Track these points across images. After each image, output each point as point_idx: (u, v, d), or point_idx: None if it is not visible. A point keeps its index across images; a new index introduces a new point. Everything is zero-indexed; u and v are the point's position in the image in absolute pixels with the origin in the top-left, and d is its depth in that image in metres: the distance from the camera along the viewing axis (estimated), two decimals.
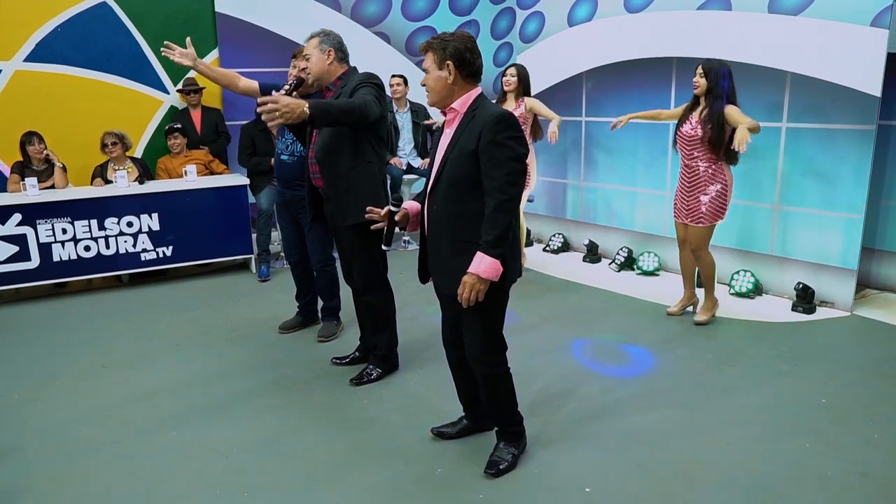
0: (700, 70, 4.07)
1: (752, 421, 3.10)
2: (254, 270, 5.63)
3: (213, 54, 6.55)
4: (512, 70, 5.21)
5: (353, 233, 3.34)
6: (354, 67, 3.39)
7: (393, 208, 2.59)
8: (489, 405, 2.71)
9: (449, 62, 2.37)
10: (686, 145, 4.15)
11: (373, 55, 6.67)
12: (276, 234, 5.82)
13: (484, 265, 2.31)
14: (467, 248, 2.37)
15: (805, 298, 4.50)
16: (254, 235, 5.66)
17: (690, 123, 4.13)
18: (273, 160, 5.66)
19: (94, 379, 3.67)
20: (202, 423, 3.15)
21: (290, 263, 4.23)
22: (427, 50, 2.42)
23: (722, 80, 4.00)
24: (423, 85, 2.47)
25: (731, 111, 3.97)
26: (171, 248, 5.29)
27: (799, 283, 4.55)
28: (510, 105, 5.24)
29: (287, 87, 3.46)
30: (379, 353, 3.58)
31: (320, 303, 4.23)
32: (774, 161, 4.73)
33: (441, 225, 2.46)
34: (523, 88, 5.22)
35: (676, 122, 4.28)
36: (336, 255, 3.80)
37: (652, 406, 3.26)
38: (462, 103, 2.43)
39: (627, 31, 5.46)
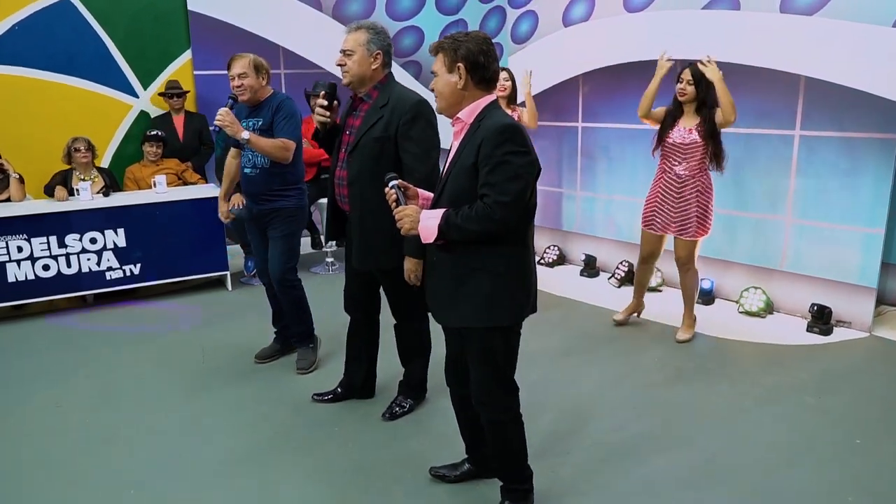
0: (688, 77, 3.81)
1: (783, 466, 2.79)
2: (229, 288, 5.24)
3: (186, 55, 6.15)
4: (505, 74, 4.87)
5: (381, 274, 2.99)
6: (390, 73, 2.95)
7: (395, 183, 2.21)
8: (494, 456, 2.41)
9: (460, 65, 2.10)
10: (675, 154, 3.90)
11: None
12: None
13: (426, 221, 2.10)
14: (472, 275, 2.13)
15: (821, 319, 4.22)
16: (230, 247, 5.27)
17: (680, 131, 3.88)
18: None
19: (45, 421, 3.28)
20: (164, 481, 2.77)
21: (264, 284, 3.86)
22: (438, 51, 2.16)
23: (709, 89, 3.82)
24: (432, 89, 2.19)
25: (718, 116, 3.82)
26: (138, 265, 4.89)
27: (814, 306, 4.26)
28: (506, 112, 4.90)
29: (229, 103, 3.38)
30: (411, 383, 3.26)
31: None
32: (787, 172, 4.44)
33: (442, 247, 2.16)
34: (515, 95, 4.90)
35: (658, 127, 4.00)
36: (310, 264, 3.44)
37: (669, 446, 2.95)
38: (469, 113, 2.15)
39: (627, 32, 5.15)
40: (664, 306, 4.71)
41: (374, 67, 2.83)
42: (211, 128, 3.43)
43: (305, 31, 6.51)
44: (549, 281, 5.41)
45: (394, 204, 2.19)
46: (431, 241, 2.11)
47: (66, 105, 5.69)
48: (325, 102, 2.93)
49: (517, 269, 2.16)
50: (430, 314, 2.37)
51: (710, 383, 3.58)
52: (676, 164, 3.91)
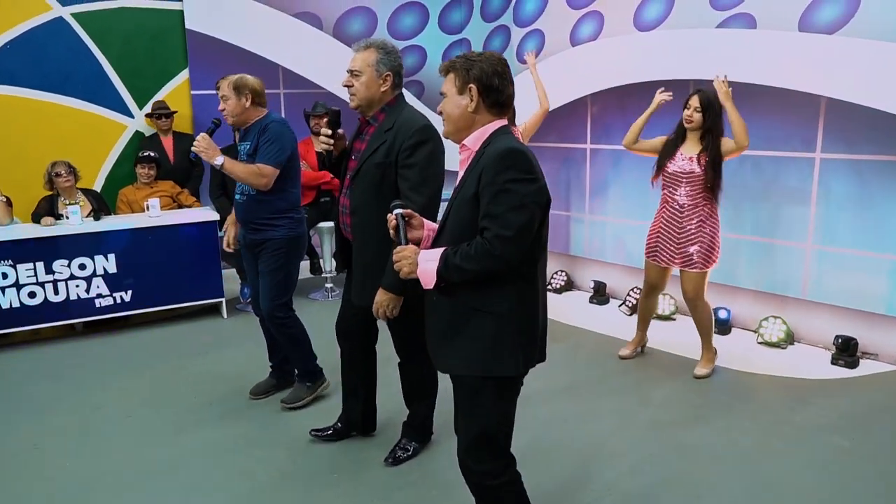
0: (696, 104, 3.65)
1: None
2: (224, 316, 5.03)
3: (183, 75, 6.00)
4: None
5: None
6: (401, 95, 2.74)
7: (400, 212, 2.00)
8: None
9: (472, 86, 1.91)
10: (676, 183, 3.75)
11: None
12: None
13: (425, 265, 1.90)
14: (470, 317, 1.91)
15: (847, 351, 4.00)
16: (225, 271, 5.07)
17: (681, 160, 3.72)
18: None
19: (20, 464, 3.05)
20: None
21: (258, 316, 3.65)
22: (448, 71, 1.98)
23: (717, 118, 3.68)
24: (440, 112, 2.00)
25: (726, 145, 3.65)
26: (129, 292, 4.69)
27: (838, 338, 4.04)
28: None
29: (210, 128, 3.31)
30: (415, 424, 3.03)
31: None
32: (807, 196, 4.25)
33: (441, 287, 1.95)
34: (513, 117, 4.69)
35: (658, 156, 3.84)
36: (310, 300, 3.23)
37: (690, 493, 2.74)
38: (476, 139, 1.96)
39: (637, 51, 4.99)
40: (677, 336, 4.49)
41: (383, 90, 2.63)
42: (191, 155, 3.24)
43: (305, 50, 6.37)
44: (556, 308, 5.19)
45: (393, 233, 1.99)
46: (431, 286, 1.90)
47: (59, 125, 5.53)
48: (329, 131, 2.75)
49: (521, 310, 1.91)
50: None
51: (731, 422, 3.35)
52: (677, 193, 3.76)
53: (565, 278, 5.72)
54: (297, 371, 3.54)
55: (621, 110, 5.16)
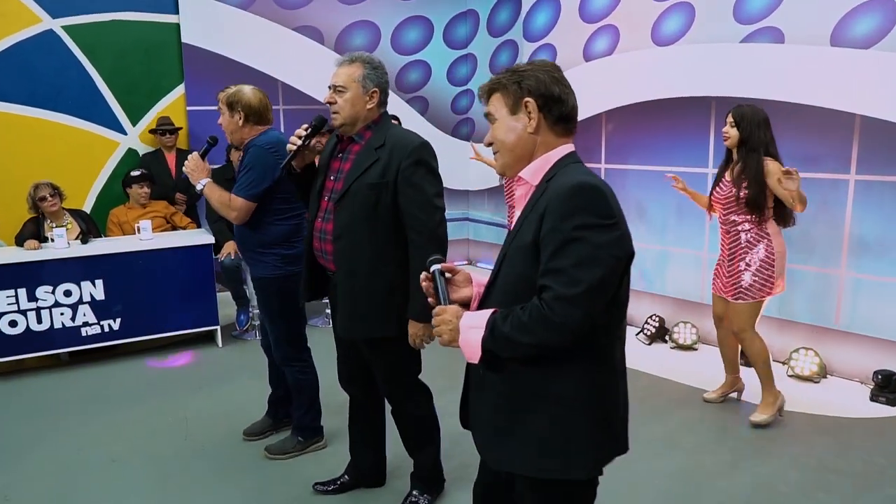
0: (730, 119, 3.39)
1: None
2: (220, 344, 4.74)
3: (179, 90, 5.78)
4: None
5: (368, 345, 2.52)
6: (385, 113, 2.50)
7: (437, 269, 1.63)
8: None
9: (528, 101, 1.54)
10: (722, 207, 3.47)
11: None
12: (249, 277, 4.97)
13: (468, 333, 1.50)
14: (528, 403, 1.52)
15: (888, 387, 3.73)
16: (220, 294, 4.78)
17: (724, 183, 3.45)
18: None
19: None
20: None
21: (263, 347, 3.38)
22: (492, 91, 1.60)
23: (757, 129, 3.33)
24: (489, 144, 1.63)
25: (771, 166, 3.28)
26: (118, 320, 4.40)
27: (878, 374, 3.77)
28: None
29: (203, 147, 3.03)
30: (422, 475, 2.73)
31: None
32: (841, 219, 3.99)
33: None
34: None
35: (713, 182, 3.59)
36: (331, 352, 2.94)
37: None
38: (536, 170, 1.56)
39: (655, 67, 4.76)
40: (698, 366, 4.23)
41: (369, 107, 2.40)
42: (182, 176, 2.97)
43: (306, 66, 6.16)
44: None
45: (430, 295, 1.62)
46: (476, 361, 1.51)
47: (47, 142, 5.29)
48: (305, 133, 2.46)
49: (595, 395, 1.51)
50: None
51: (772, 468, 3.07)
52: (724, 219, 3.48)
53: None
54: (296, 421, 3.23)
55: (638, 128, 4.92)
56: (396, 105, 6.54)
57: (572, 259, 1.39)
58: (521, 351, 1.46)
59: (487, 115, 1.62)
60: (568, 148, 1.58)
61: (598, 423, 1.52)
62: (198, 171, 2.91)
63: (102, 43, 5.41)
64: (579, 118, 5.00)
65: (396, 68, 6.68)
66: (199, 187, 2.88)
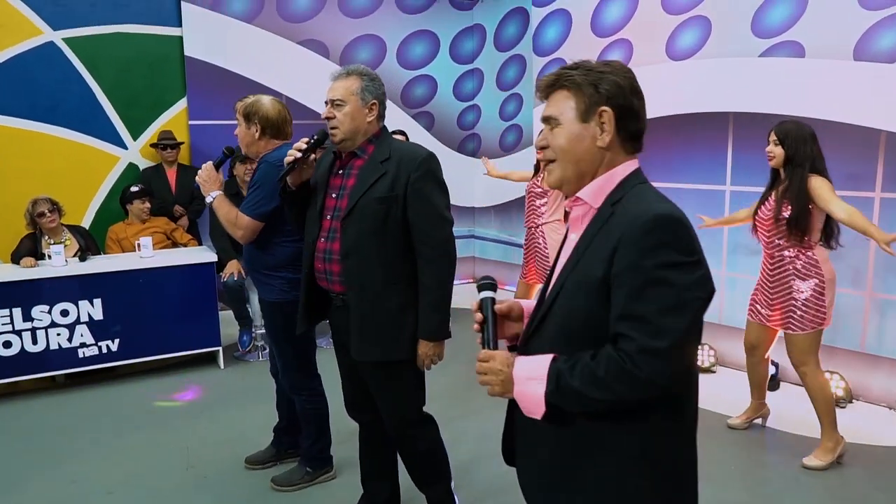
0: (773, 136, 3.22)
1: None
2: (222, 366, 4.58)
3: (181, 104, 5.66)
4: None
5: (375, 369, 2.38)
6: (385, 127, 2.41)
7: (488, 296, 1.45)
8: None
9: (605, 110, 1.33)
10: (765, 231, 3.27)
11: None
12: (254, 297, 4.80)
13: (525, 385, 1.32)
14: (594, 456, 1.33)
15: None
16: (221, 313, 4.62)
17: (768, 204, 3.27)
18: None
19: None
20: None
21: (271, 373, 3.22)
22: (558, 86, 1.37)
23: (803, 145, 3.16)
24: (542, 148, 1.42)
25: (818, 185, 3.09)
26: (117, 341, 4.24)
27: None
28: (539, 178, 4.32)
29: (217, 158, 2.85)
30: None
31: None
32: (866, 239, 3.84)
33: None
34: None
35: (757, 203, 3.42)
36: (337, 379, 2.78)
37: None
38: (598, 190, 1.36)
39: (670, 82, 4.66)
40: (717, 389, 4.09)
41: (369, 120, 2.31)
42: (194, 186, 2.82)
43: (310, 80, 6.04)
44: None
45: (477, 330, 1.43)
46: (539, 416, 1.32)
47: (46, 156, 5.17)
48: (306, 145, 2.32)
49: (667, 448, 1.32)
50: None
51: (810, 502, 2.92)
52: (767, 242, 3.29)
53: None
54: (305, 451, 3.06)
55: (652, 145, 4.78)
56: (402, 120, 6.43)
57: (656, 304, 1.21)
58: (593, 406, 1.28)
59: (548, 119, 1.38)
60: (633, 165, 1.38)
61: (669, 480, 1.33)
62: (210, 182, 2.77)
63: (104, 56, 5.30)
64: None
65: (402, 83, 6.58)
66: (208, 199, 2.74)
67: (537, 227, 4.26)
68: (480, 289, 1.46)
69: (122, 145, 5.48)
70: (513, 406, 1.49)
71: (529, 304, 1.55)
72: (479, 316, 1.43)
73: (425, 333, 2.30)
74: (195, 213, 5.36)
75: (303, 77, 6.04)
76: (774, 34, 4.12)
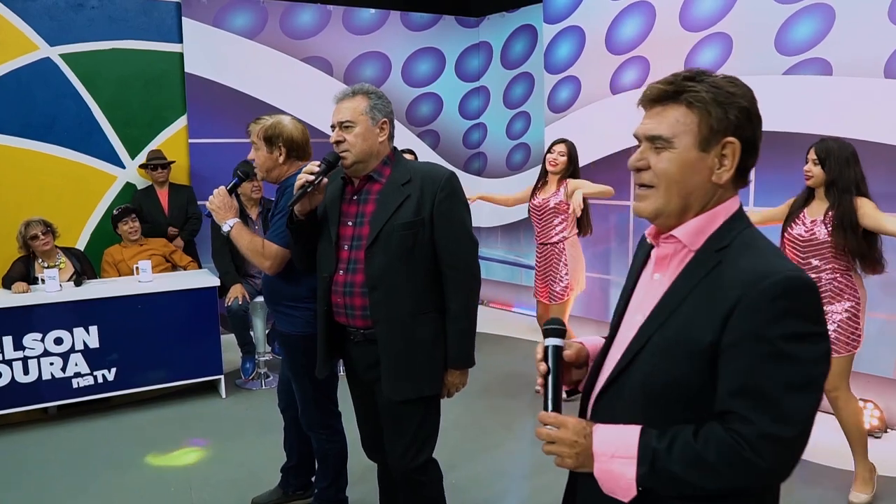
0: (813, 156, 3.07)
1: None
2: (223, 395, 4.35)
3: (181, 122, 5.50)
4: (560, 147, 4.17)
5: (405, 407, 2.19)
6: (395, 148, 2.26)
7: (555, 344, 1.27)
8: None
9: (733, 142, 1.13)
10: (798, 250, 3.11)
11: None
12: (258, 322, 4.60)
13: (610, 464, 1.14)
14: None
15: None
16: (223, 337, 4.38)
17: (804, 224, 3.11)
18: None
19: None
20: None
21: (280, 409, 3.01)
22: (675, 99, 1.14)
23: (846, 168, 3.01)
24: (639, 169, 1.18)
25: (866, 209, 2.95)
26: (113, 370, 4.02)
27: None
28: (548, 192, 4.19)
29: (232, 182, 2.63)
30: None
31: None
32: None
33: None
34: (572, 170, 4.19)
35: (784, 218, 3.28)
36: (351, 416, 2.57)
37: None
38: (696, 231, 1.17)
39: None
40: None
41: (381, 140, 2.16)
42: (203, 212, 2.59)
43: (314, 98, 5.89)
44: None
45: (541, 385, 1.26)
46: (626, 500, 1.14)
47: (41, 175, 4.98)
48: (318, 169, 2.13)
49: None
50: None
51: None
52: (802, 262, 3.10)
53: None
54: (317, 490, 2.84)
55: None
56: (407, 138, 6.28)
57: (781, 381, 1.04)
58: (692, 491, 1.11)
59: (656, 138, 1.14)
60: (736, 202, 1.19)
61: None
62: (224, 209, 2.54)
63: (101, 72, 5.14)
64: (606, 154, 4.64)
65: (407, 101, 6.44)
66: (225, 228, 2.53)
67: (554, 244, 4.13)
68: (548, 334, 1.28)
69: (120, 164, 5.30)
70: (578, 477, 1.30)
71: (595, 344, 1.36)
72: (543, 367, 1.25)
73: (455, 362, 2.21)
74: (191, 233, 5.16)
75: (306, 95, 5.89)
76: (799, 51, 4.00)
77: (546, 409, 1.21)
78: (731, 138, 1.13)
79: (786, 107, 4.03)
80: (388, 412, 2.24)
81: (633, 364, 1.18)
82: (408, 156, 5.07)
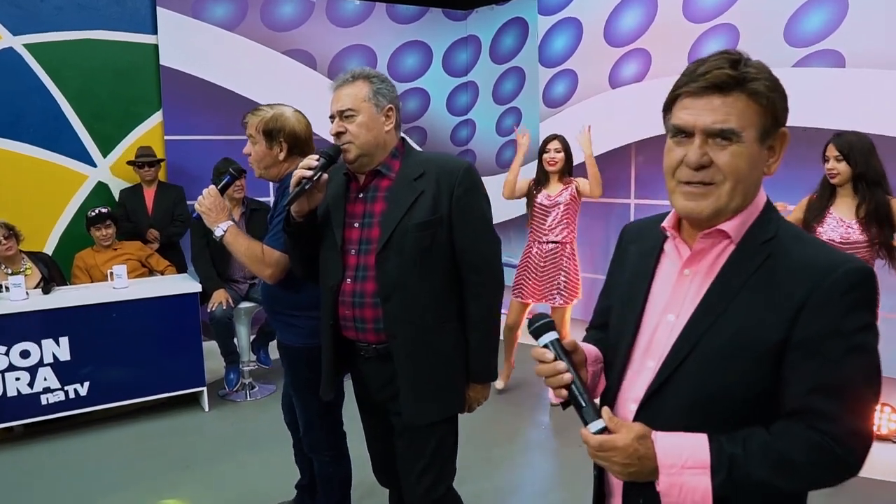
0: (834, 151, 2.95)
1: None
2: (206, 408, 4.07)
3: (156, 118, 5.19)
4: (556, 144, 4.02)
5: (424, 428, 1.95)
6: (404, 138, 2.01)
7: (557, 338, 1.17)
8: None
9: (785, 132, 1.11)
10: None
11: None
12: (242, 330, 4.33)
13: (681, 477, 1.04)
14: None
15: None
16: (206, 343, 4.09)
17: (835, 224, 2.97)
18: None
19: None
20: None
21: (287, 424, 2.77)
22: (737, 88, 1.06)
23: (872, 160, 2.92)
24: (703, 166, 1.08)
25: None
26: (86, 385, 3.71)
27: None
28: (556, 188, 4.02)
29: (224, 180, 2.35)
30: None
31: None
32: None
33: None
34: (569, 168, 4.06)
35: (803, 221, 3.13)
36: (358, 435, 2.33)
37: None
38: (741, 224, 1.11)
39: None
40: None
41: (387, 129, 1.91)
42: (193, 214, 2.30)
43: (297, 92, 5.59)
44: None
45: (559, 393, 1.15)
46: None
47: (5, 175, 4.64)
48: (317, 163, 1.84)
49: None
50: None
51: None
52: None
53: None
54: None
55: None
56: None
57: (860, 375, 1.03)
58: (771, 494, 1.05)
59: (727, 133, 1.05)
60: (764, 192, 1.15)
61: None
62: (216, 211, 2.25)
63: (70, 64, 4.81)
64: (605, 150, 4.41)
65: None
66: (217, 233, 2.25)
67: (561, 242, 3.98)
68: (543, 330, 1.16)
69: (91, 163, 4.98)
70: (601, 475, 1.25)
71: (589, 347, 1.28)
72: (561, 366, 1.13)
73: (479, 376, 2.00)
74: (175, 235, 4.86)
75: (288, 89, 5.59)
76: (810, 43, 3.85)
77: (586, 418, 1.11)
78: (784, 129, 1.11)
79: (796, 100, 3.82)
80: (404, 435, 2.00)
81: (678, 373, 1.11)
82: None
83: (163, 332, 3.88)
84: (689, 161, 1.07)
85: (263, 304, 2.47)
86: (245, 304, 4.30)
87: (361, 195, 1.96)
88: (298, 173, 1.85)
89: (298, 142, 2.34)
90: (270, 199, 5.47)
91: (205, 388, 4.06)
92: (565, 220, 3.99)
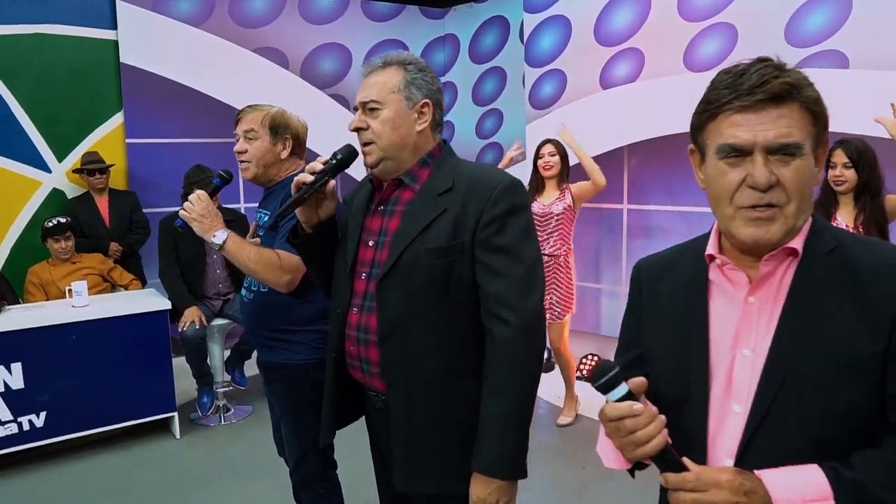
0: (843, 158, 2.86)
1: None
2: (178, 435, 3.75)
3: (116, 119, 4.85)
4: (550, 147, 3.82)
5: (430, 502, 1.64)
6: (446, 142, 1.65)
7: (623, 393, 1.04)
8: None
9: (826, 140, 1.06)
10: None
11: (328, 122, 5.12)
12: (215, 349, 4.01)
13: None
14: None
15: None
16: (175, 359, 3.76)
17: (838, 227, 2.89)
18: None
19: None
20: None
21: (280, 454, 2.49)
22: (791, 97, 1.00)
23: (876, 169, 2.88)
24: (768, 186, 0.99)
25: (893, 203, 2.87)
26: (42, 415, 3.36)
27: None
28: (550, 197, 3.82)
29: (213, 184, 2.16)
30: None
31: None
32: None
33: None
34: (567, 172, 3.87)
35: None
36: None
37: None
38: (803, 237, 1.04)
39: (688, 95, 4.18)
40: None
41: (419, 129, 1.55)
42: (177, 223, 2.01)
43: (267, 93, 5.23)
44: (592, 403, 4.20)
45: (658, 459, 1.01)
46: None
47: None
48: (323, 167, 1.54)
49: None
50: None
51: None
52: None
53: (596, 363, 4.77)
54: None
55: (666, 164, 4.33)
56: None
57: None
58: None
59: (792, 147, 0.98)
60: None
61: None
62: (209, 218, 1.97)
63: (21, 61, 4.45)
64: (597, 153, 4.20)
65: None
66: (215, 241, 1.95)
67: (556, 255, 3.78)
68: (611, 385, 1.04)
69: (45, 168, 4.60)
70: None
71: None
72: (618, 412, 1.03)
73: (485, 464, 1.46)
74: (137, 244, 4.52)
75: (258, 90, 5.28)
76: (812, 43, 3.73)
77: (671, 470, 1.00)
78: (826, 137, 1.05)
79: None
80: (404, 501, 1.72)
81: (772, 410, 1.01)
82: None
83: (128, 355, 3.55)
84: (757, 182, 0.98)
85: (249, 321, 2.19)
86: (218, 322, 3.99)
87: (381, 208, 1.61)
88: (299, 178, 1.54)
89: (300, 143, 2.18)
90: (241, 207, 5.15)
91: (175, 414, 3.73)
92: (558, 232, 3.80)
